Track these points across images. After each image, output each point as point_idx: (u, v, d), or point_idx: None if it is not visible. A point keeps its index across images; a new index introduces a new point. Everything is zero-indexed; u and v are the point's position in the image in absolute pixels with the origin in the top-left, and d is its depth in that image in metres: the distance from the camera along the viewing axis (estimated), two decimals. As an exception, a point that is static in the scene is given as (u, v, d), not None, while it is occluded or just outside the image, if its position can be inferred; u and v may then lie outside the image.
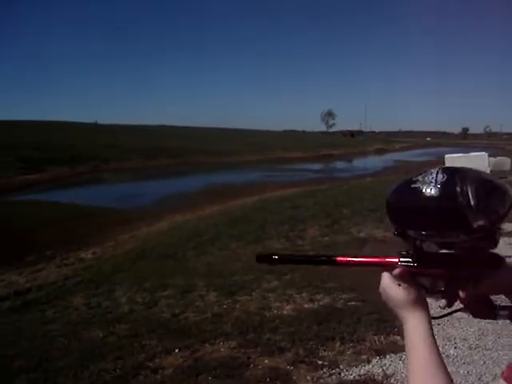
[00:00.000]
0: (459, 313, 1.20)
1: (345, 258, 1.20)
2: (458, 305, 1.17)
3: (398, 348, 4.79)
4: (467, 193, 0.95)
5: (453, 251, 1.06)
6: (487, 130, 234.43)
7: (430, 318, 1.12)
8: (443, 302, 1.17)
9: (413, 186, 1.02)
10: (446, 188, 0.97)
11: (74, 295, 7.77)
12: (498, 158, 24.56)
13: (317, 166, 52.52)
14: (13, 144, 44.61)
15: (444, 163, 20.16)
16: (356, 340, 4.97)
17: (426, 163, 48.68)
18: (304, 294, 6.58)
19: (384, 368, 4.42)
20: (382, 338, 4.99)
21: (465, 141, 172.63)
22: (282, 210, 15.37)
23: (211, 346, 5.02)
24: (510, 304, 1.10)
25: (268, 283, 7.22)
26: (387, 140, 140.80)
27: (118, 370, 4.56)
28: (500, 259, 1.06)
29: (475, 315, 1.15)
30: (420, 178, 1.02)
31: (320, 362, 4.55)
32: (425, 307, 1.12)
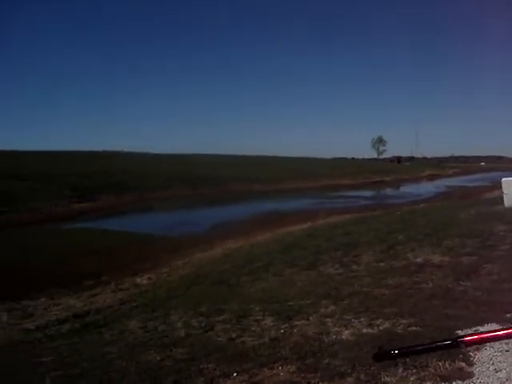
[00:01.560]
0: None
1: (474, 337, 1.06)
2: None
3: (465, 375, 4.62)
4: None
5: None
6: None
7: None
8: None
9: None
10: None
11: (130, 319, 7.85)
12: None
13: (368, 193, 52.09)
14: (59, 174, 46.10)
15: (501, 187, 19.66)
16: (419, 366, 4.81)
17: (480, 188, 47.65)
18: (362, 319, 6.45)
19: (450, 395, 4.27)
20: (447, 364, 4.82)
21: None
22: (335, 236, 15.22)
23: (270, 370, 4.96)
24: None
25: (325, 308, 7.12)
26: (439, 165, 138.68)
27: (176, 393, 4.55)
28: None
29: None
30: None
31: (383, 388, 4.43)
32: None
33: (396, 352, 1.14)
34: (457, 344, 1.04)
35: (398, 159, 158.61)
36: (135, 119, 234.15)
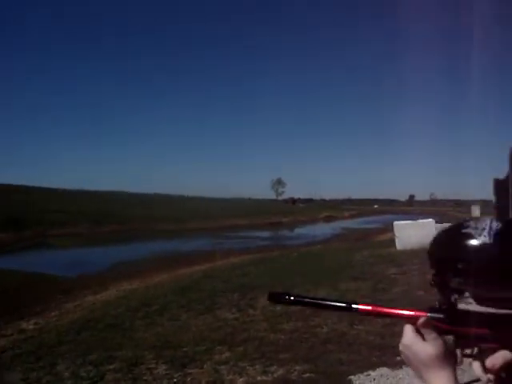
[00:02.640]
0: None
1: (367, 307, 1.11)
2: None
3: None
4: None
5: (492, 310, 0.99)
6: (432, 196, 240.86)
7: (457, 381, 1.01)
8: (466, 366, 1.08)
9: (464, 231, 0.97)
10: (500, 237, 0.92)
11: (10, 370, 7.30)
12: (445, 224, 25.16)
13: (266, 234, 52.65)
14: None
15: (393, 230, 20.52)
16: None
17: (374, 230, 49.50)
18: (257, 366, 6.38)
19: None
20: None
21: (410, 208, 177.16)
22: (232, 277, 15.16)
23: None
24: None
25: (220, 355, 6.98)
26: (336, 207, 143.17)
27: None
28: None
29: None
30: (472, 223, 0.97)
31: None
32: (453, 367, 1.01)
33: (291, 298, 1.18)
34: (350, 309, 1.11)
35: (293, 200, 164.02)
36: (36, 152, 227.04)
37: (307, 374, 5.95)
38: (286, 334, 7.78)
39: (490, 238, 0.92)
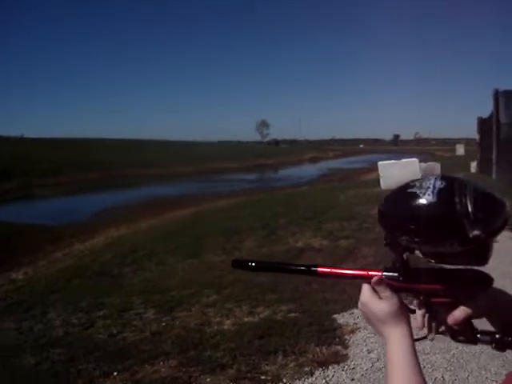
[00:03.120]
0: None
1: (326, 269, 1.17)
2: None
3: (341, 358, 4.81)
4: (466, 201, 0.94)
5: (442, 266, 1.03)
6: (417, 136, 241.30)
7: (412, 335, 1.07)
8: (420, 321, 1.14)
9: (409, 190, 1.00)
10: (444, 194, 0.96)
11: (2, 320, 7.40)
12: (428, 163, 25.38)
13: (252, 176, 52.74)
14: None
15: (377, 169, 20.65)
16: (298, 352, 4.95)
17: (359, 170, 49.77)
18: (244, 308, 6.52)
19: (327, 379, 4.42)
20: (324, 349, 5.00)
21: (396, 147, 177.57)
22: (218, 221, 15.28)
23: (151, 366, 4.89)
24: (491, 330, 1.07)
25: (207, 298, 7.12)
26: (321, 148, 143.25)
27: (52, 399, 4.37)
28: (489, 279, 1.04)
29: (456, 339, 1.11)
30: (417, 183, 1.01)
31: (263, 377, 4.50)
32: (407, 323, 1.07)
33: (253, 265, 1.25)
34: (310, 272, 1.17)
35: (276, 142, 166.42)
36: (19, 104, 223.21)
37: (292, 314, 6.10)
38: (271, 275, 7.91)
39: (433, 196, 0.95)
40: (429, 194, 0.96)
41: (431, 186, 0.97)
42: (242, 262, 1.29)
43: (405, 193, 1.01)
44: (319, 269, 1.17)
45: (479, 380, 4.27)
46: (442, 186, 0.97)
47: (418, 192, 0.98)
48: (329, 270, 1.17)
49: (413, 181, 1.04)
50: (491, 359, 4.47)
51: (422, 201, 0.96)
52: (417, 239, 0.99)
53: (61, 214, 25.17)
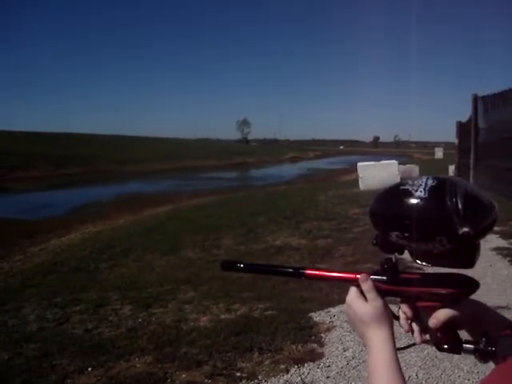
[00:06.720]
0: None
1: (314, 272, 1.19)
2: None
3: (316, 356, 4.82)
4: (456, 199, 0.96)
5: (430, 270, 1.06)
6: (396, 138, 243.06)
7: (394, 339, 1.08)
8: (406, 326, 1.14)
9: (402, 187, 1.03)
10: (435, 192, 0.98)
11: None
12: (407, 165, 25.64)
13: (231, 174, 52.71)
14: None
15: (357, 170, 20.77)
16: (274, 350, 4.94)
17: (339, 171, 49.96)
18: (221, 305, 6.50)
19: (302, 377, 4.42)
20: (300, 347, 5.00)
21: (376, 149, 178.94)
22: (196, 219, 15.25)
23: (126, 362, 4.84)
24: (475, 339, 1.06)
25: (184, 294, 7.10)
26: (301, 148, 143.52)
27: (25, 395, 4.31)
28: (476, 283, 1.05)
29: (440, 348, 1.10)
30: (409, 181, 1.03)
31: (238, 374, 4.49)
32: (390, 327, 1.08)
33: (242, 266, 1.27)
34: (298, 274, 1.20)
35: (246, 140, 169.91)
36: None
37: (269, 312, 6.10)
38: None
39: (425, 193, 0.98)
40: (421, 191, 0.98)
41: (423, 184, 1.00)
42: (231, 263, 1.30)
43: (398, 189, 1.03)
44: (307, 271, 1.19)
45: (452, 378, 4.31)
46: (433, 184, 0.99)
47: (410, 189, 1.00)
48: (317, 272, 1.19)
49: (405, 179, 1.06)
50: (464, 358, 4.51)
51: (414, 197, 0.99)
52: (407, 234, 1.00)
53: (37, 209, 24.92)
